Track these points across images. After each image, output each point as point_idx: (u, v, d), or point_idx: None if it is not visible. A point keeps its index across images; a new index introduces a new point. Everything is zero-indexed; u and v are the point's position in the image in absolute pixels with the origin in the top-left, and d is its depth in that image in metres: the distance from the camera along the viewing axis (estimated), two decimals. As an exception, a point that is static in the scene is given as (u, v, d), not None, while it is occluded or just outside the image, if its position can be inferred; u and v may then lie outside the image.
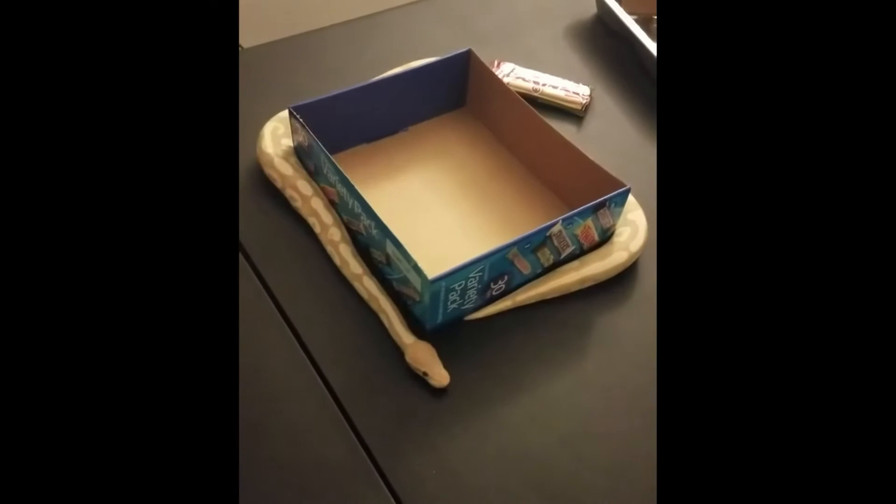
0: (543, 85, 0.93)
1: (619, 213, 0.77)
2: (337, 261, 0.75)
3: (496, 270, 0.70)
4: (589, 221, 0.73)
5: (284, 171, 0.79)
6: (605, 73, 0.99)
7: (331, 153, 0.74)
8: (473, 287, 0.69)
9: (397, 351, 0.70)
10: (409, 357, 0.68)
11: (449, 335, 0.71)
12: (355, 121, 0.83)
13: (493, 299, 0.73)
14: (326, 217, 0.76)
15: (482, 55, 0.98)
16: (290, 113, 0.78)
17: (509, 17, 1.05)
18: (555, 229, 0.70)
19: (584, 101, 0.92)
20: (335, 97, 0.80)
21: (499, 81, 0.84)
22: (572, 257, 0.76)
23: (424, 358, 0.68)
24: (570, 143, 0.77)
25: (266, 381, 0.68)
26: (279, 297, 0.73)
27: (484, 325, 0.73)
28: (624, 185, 0.74)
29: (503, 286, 0.72)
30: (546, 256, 0.73)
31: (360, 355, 0.70)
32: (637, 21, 1.01)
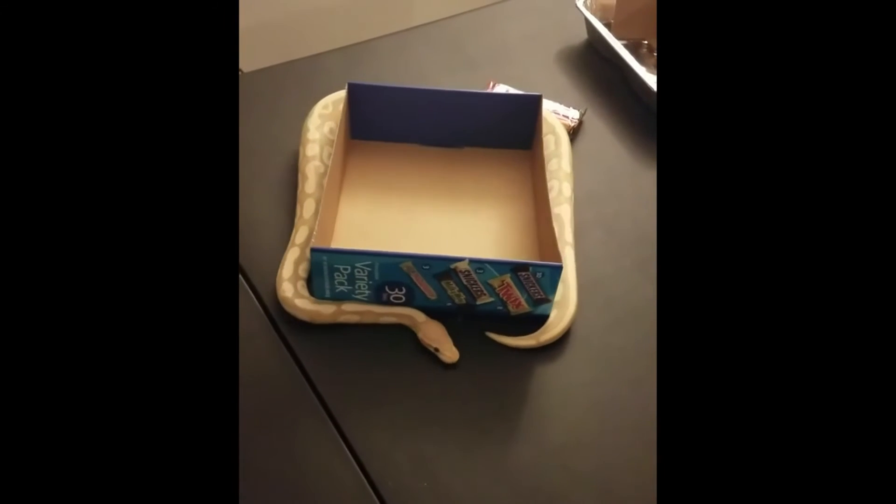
0: (534, 108, 0.95)
1: (553, 289, 0.72)
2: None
3: (390, 276, 0.71)
4: (508, 279, 0.71)
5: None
6: (595, 97, 1.02)
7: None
8: (363, 280, 0.72)
9: (391, 365, 0.72)
10: (422, 333, 0.72)
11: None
12: (416, 120, 0.88)
13: (393, 304, 0.74)
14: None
15: (475, 79, 1.00)
16: (348, 88, 0.84)
17: (501, 43, 1.08)
18: (461, 266, 0.70)
19: (572, 125, 0.94)
20: (402, 90, 0.86)
21: (540, 130, 0.86)
22: (497, 313, 0.74)
23: (436, 335, 0.72)
24: (551, 207, 0.78)
25: (259, 396, 0.69)
26: (274, 314, 0.75)
27: (475, 337, 0.74)
28: (558, 262, 0.70)
29: (402, 297, 0.74)
30: (454, 291, 0.72)
31: (354, 370, 0.72)
32: (626, 46, 1.03)
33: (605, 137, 0.96)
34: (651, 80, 0.96)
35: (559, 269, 0.71)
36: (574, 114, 0.95)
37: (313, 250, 0.70)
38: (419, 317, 0.73)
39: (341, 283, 0.72)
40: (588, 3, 1.07)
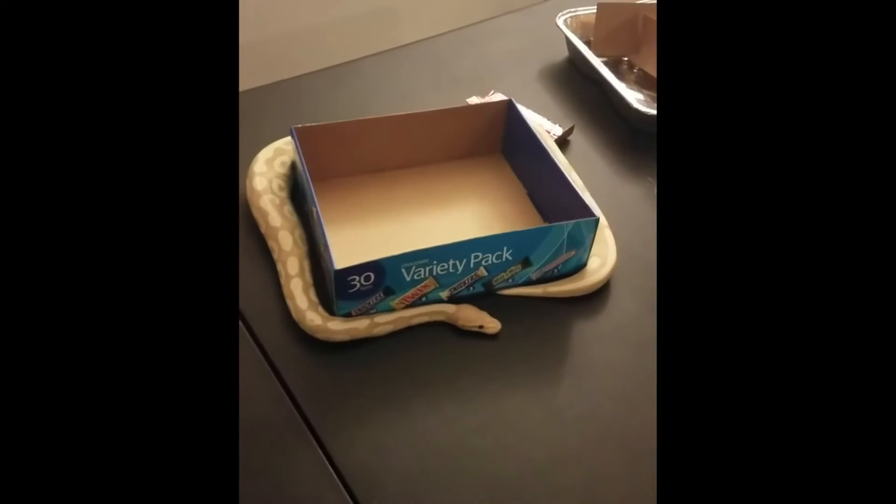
0: (517, 126, 0.97)
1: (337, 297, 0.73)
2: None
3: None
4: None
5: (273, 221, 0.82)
6: (577, 114, 1.03)
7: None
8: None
9: (375, 385, 0.72)
10: (461, 321, 0.75)
11: (423, 361, 0.74)
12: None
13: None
14: (293, 268, 0.79)
15: (459, 96, 1.02)
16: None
17: (484, 61, 1.09)
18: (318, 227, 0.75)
19: (554, 138, 0.96)
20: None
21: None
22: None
23: (474, 315, 0.75)
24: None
25: (243, 418, 0.70)
26: (256, 329, 0.76)
27: (460, 350, 0.75)
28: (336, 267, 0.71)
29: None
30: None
31: (340, 388, 0.72)
32: (606, 63, 1.05)
33: (587, 153, 0.98)
34: (631, 96, 0.98)
35: (337, 272, 0.70)
36: (557, 130, 0.97)
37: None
38: (449, 308, 0.76)
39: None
40: (568, 21, 1.09)
